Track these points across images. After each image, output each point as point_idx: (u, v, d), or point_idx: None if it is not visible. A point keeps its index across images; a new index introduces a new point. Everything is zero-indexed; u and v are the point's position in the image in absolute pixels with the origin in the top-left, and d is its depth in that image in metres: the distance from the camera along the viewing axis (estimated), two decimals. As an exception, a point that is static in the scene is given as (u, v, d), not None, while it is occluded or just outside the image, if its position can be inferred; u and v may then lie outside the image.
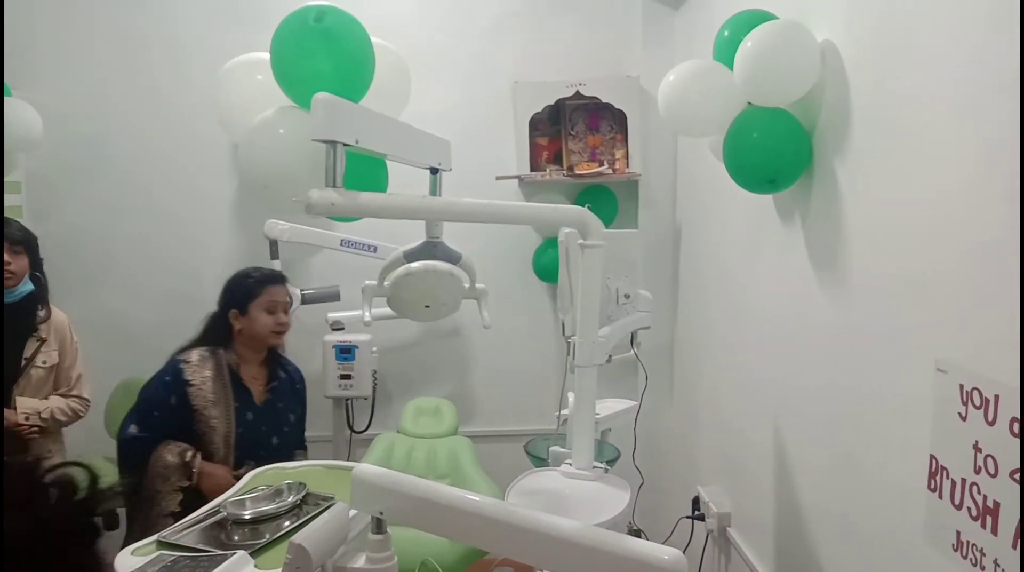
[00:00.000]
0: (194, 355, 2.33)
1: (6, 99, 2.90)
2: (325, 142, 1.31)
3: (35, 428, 2.46)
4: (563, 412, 2.08)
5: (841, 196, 1.60)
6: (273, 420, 2.43)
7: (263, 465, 2.16)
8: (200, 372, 2.29)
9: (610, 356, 1.80)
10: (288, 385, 2.53)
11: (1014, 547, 1.06)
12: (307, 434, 3.29)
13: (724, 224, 2.46)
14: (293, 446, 2.52)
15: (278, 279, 2.49)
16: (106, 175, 3.33)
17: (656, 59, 3.07)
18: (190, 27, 3.23)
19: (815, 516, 1.79)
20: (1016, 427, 1.05)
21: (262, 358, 2.46)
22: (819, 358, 1.73)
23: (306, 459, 2.45)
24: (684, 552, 2.55)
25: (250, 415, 2.35)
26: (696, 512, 2.57)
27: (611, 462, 2.05)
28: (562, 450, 1.87)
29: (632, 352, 2.17)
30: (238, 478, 2.11)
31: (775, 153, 1.71)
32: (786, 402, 1.96)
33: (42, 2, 3.24)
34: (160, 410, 2.24)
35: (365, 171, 2.05)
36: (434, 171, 1.74)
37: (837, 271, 1.63)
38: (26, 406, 2.44)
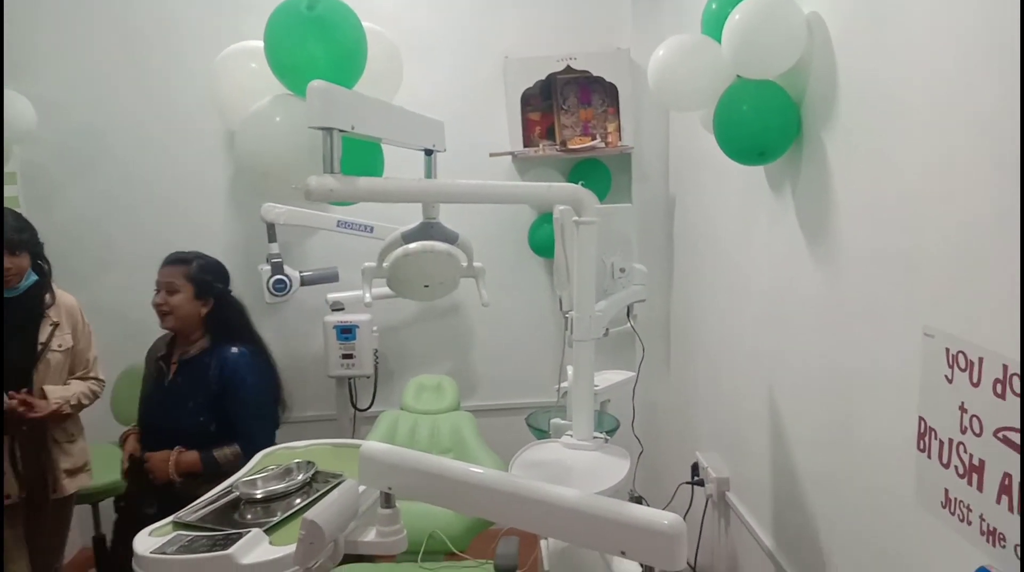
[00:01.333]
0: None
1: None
2: (321, 129, 1.33)
3: (66, 415, 2.50)
4: (563, 385, 2.12)
5: (830, 167, 1.63)
6: (167, 404, 2.43)
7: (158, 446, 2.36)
8: (153, 348, 2.57)
9: (607, 329, 1.84)
10: (205, 372, 2.42)
11: (998, 502, 1.10)
12: (311, 413, 3.34)
13: (717, 196, 2.49)
14: (189, 435, 2.38)
15: (166, 261, 2.49)
16: (103, 164, 3.34)
17: (646, 31, 3.07)
18: (185, 15, 3.22)
19: (810, 479, 1.84)
20: (999, 388, 1.09)
21: (191, 338, 2.47)
22: (810, 327, 1.78)
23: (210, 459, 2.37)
24: (684, 517, 2.62)
25: (156, 395, 2.46)
26: (695, 478, 2.63)
27: (611, 432, 2.10)
28: (563, 422, 1.92)
29: (629, 325, 2.21)
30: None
31: (764, 125, 1.74)
32: (779, 369, 2.00)
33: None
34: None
35: (361, 156, 2.07)
36: (428, 153, 1.77)
37: (827, 241, 1.66)
38: (57, 395, 2.46)
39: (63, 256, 3.35)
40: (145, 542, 1.47)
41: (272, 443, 2.28)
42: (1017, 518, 1.06)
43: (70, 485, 2.57)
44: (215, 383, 2.40)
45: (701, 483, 2.59)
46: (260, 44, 1.91)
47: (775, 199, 1.97)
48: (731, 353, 2.41)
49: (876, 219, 1.46)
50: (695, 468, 2.65)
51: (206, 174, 3.32)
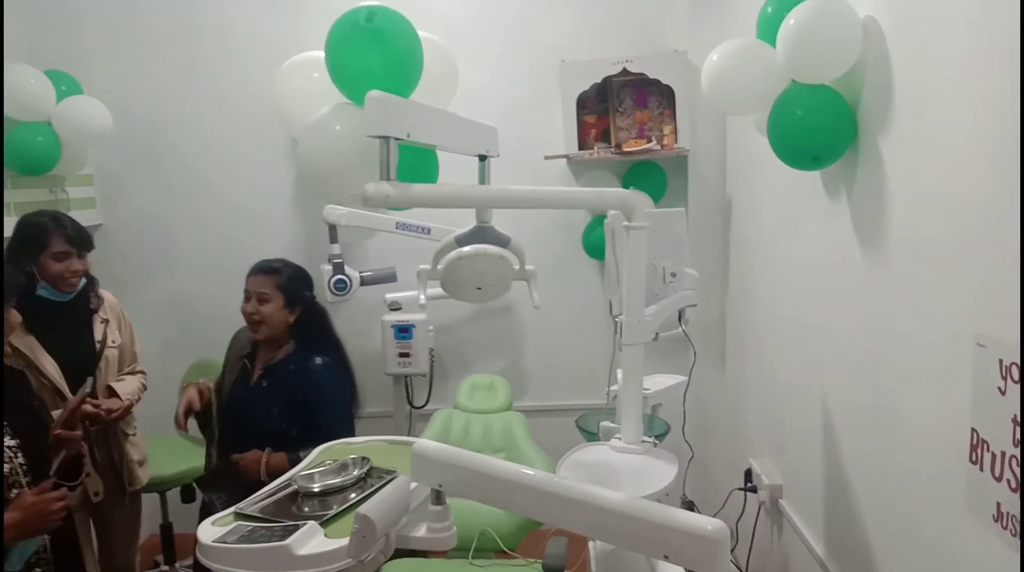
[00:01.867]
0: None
1: (78, 97, 3.06)
2: (378, 138, 1.39)
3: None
4: (612, 388, 2.14)
5: (885, 173, 1.62)
6: (255, 404, 2.45)
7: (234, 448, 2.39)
8: (236, 339, 2.62)
9: (657, 334, 1.85)
10: (291, 379, 2.46)
11: (1051, 518, 1.09)
12: (370, 409, 3.42)
13: (772, 199, 2.47)
14: (271, 436, 2.41)
15: (255, 269, 2.51)
16: (170, 165, 3.48)
17: (703, 33, 3.06)
18: (248, 24, 3.34)
19: (861, 487, 1.82)
20: (1053, 401, 1.07)
21: (278, 344, 2.50)
22: (861, 333, 1.75)
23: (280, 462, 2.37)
24: (737, 523, 2.61)
25: (240, 392, 2.49)
26: (748, 484, 2.61)
27: (661, 436, 2.10)
28: (612, 425, 1.93)
29: (680, 329, 2.21)
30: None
31: (818, 131, 1.73)
32: (830, 375, 1.98)
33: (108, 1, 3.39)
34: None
35: (417, 162, 2.12)
36: (482, 158, 1.81)
37: (880, 247, 1.64)
38: (125, 391, 2.54)
39: (130, 252, 3.52)
40: (208, 531, 1.55)
41: None
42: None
43: (143, 476, 2.68)
44: (300, 390, 2.42)
45: (754, 489, 2.57)
46: (322, 54, 1.98)
47: (830, 203, 1.95)
48: (783, 358, 2.39)
49: (931, 226, 1.44)
50: (748, 474, 2.63)
51: (270, 176, 3.43)
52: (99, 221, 3.51)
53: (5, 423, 1.77)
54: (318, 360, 2.48)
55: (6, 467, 1.72)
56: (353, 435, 2.54)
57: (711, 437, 3.18)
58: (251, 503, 1.70)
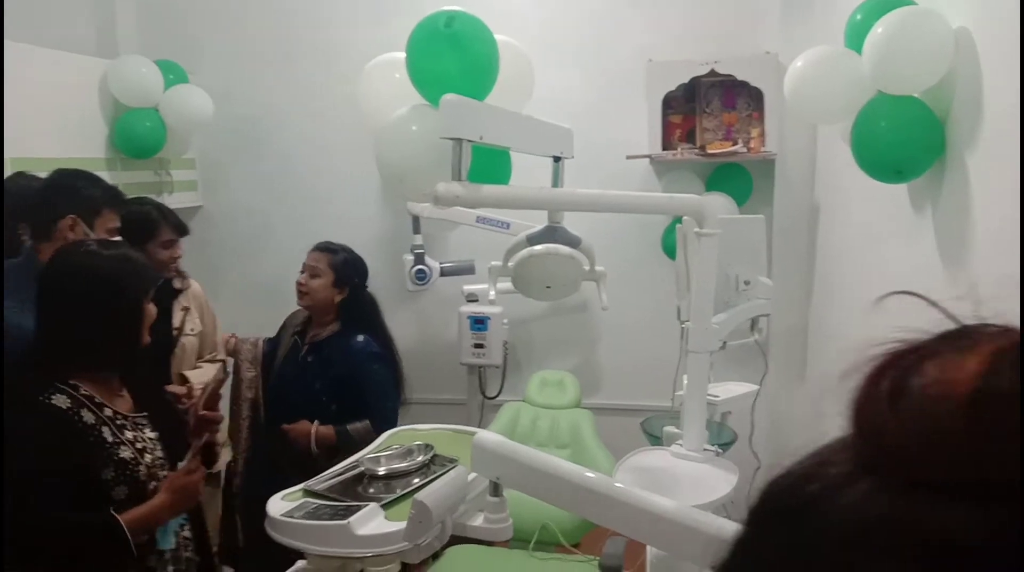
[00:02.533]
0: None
1: (183, 86, 3.24)
2: (452, 139, 1.43)
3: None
4: (679, 393, 2.13)
5: (971, 190, 1.56)
6: (299, 378, 2.64)
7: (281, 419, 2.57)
8: (291, 319, 2.82)
9: (724, 342, 1.84)
10: (333, 355, 2.63)
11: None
12: (444, 396, 3.50)
13: (859, 209, 2.40)
14: (311, 410, 2.57)
15: (316, 247, 2.71)
16: (267, 155, 3.65)
17: (795, 36, 2.97)
18: (341, 21, 3.47)
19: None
20: None
21: (324, 320, 2.69)
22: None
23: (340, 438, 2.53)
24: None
25: (290, 367, 2.68)
26: (818, 498, 2.55)
27: (726, 445, 2.09)
28: (675, 430, 1.93)
29: (753, 338, 2.19)
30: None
31: (902, 143, 1.68)
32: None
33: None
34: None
35: (490, 162, 2.16)
36: (556, 159, 1.83)
37: (964, 267, 1.59)
38: (199, 379, 2.57)
39: (226, 235, 3.70)
40: (277, 505, 1.63)
41: (396, 419, 2.53)
42: None
43: (222, 458, 2.72)
44: (342, 366, 2.60)
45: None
46: (404, 55, 2.05)
47: (915, 218, 1.89)
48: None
49: (1014, 246, 1.38)
50: (818, 488, 2.57)
51: (358, 169, 3.53)
52: (199, 203, 3.70)
53: (146, 414, 1.81)
54: (360, 338, 2.66)
55: (147, 457, 1.74)
56: (396, 413, 2.71)
57: (785, 449, 3.11)
58: (319, 481, 1.78)
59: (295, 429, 2.55)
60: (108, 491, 1.65)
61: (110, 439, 1.67)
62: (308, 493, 1.72)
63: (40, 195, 2.11)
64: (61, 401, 1.63)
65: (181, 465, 1.80)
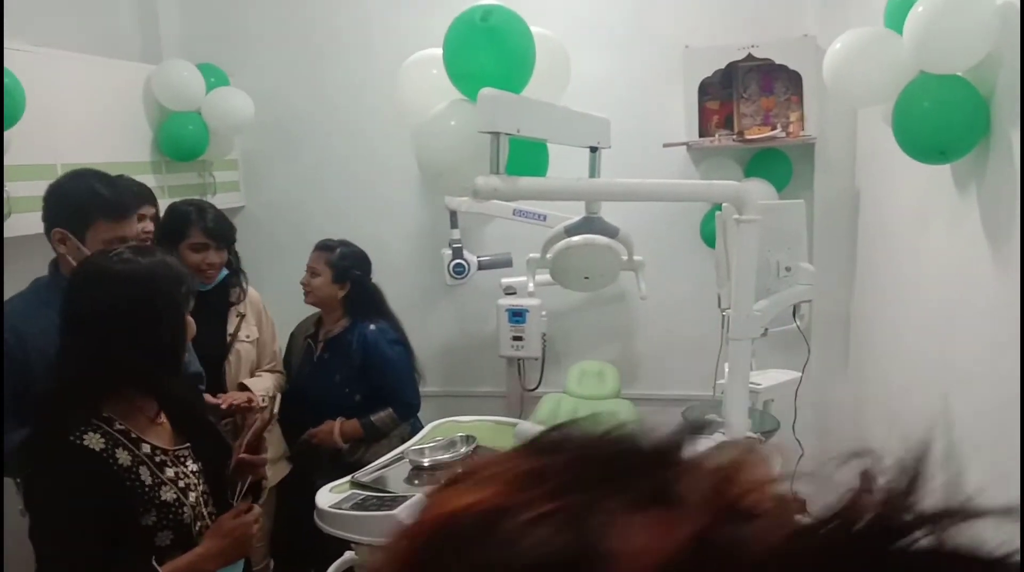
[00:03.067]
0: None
1: (225, 88, 3.30)
2: (490, 133, 1.45)
3: (263, 407, 2.48)
4: (720, 381, 2.13)
5: (1016, 169, 1.52)
6: (317, 376, 2.72)
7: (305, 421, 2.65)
8: (301, 327, 2.90)
9: (766, 329, 1.83)
10: (348, 347, 2.70)
11: None
12: (485, 389, 3.52)
13: (902, 192, 2.36)
14: (337, 405, 2.65)
15: (315, 246, 2.80)
16: (307, 150, 3.69)
17: (834, 17, 2.92)
18: (379, 17, 3.49)
19: (979, 496, 1.74)
20: None
21: (333, 318, 2.77)
22: (987, 339, 1.67)
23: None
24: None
25: (307, 369, 2.75)
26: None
27: (769, 433, 2.08)
28: (717, 418, 1.93)
29: (795, 324, 2.17)
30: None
31: (945, 123, 1.64)
32: (952, 380, 1.89)
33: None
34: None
35: (527, 154, 2.17)
36: (593, 150, 1.84)
37: (1008, 248, 1.56)
38: (259, 389, 2.54)
39: (269, 234, 3.77)
40: (326, 497, 1.68)
41: (418, 400, 2.67)
42: None
43: (273, 474, 2.52)
44: (357, 356, 2.68)
45: (869, 491, 2.48)
46: (440, 52, 2.07)
47: (959, 199, 1.85)
48: (907, 359, 2.29)
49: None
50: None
51: (397, 165, 3.56)
52: (242, 203, 3.77)
53: (189, 445, 1.59)
54: (371, 326, 2.73)
55: (192, 496, 1.52)
56: (417, 395, 2.77)
57: (831, 436, 3.08)
58: (366, 472, 1.82)
59: (320, 432, 2.63)
60: (150, 538, 1.45)
61: (149, 481, 1.45)
62: (355, 485, 1.76)
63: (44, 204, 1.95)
64: (94, 442, 1.40)
65: (229, 509, 1.59)
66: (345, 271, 2.75)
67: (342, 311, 2.77)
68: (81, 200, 1.88)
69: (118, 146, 2.97)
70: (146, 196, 2.52)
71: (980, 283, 1.71)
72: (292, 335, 2.94)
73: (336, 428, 2.60)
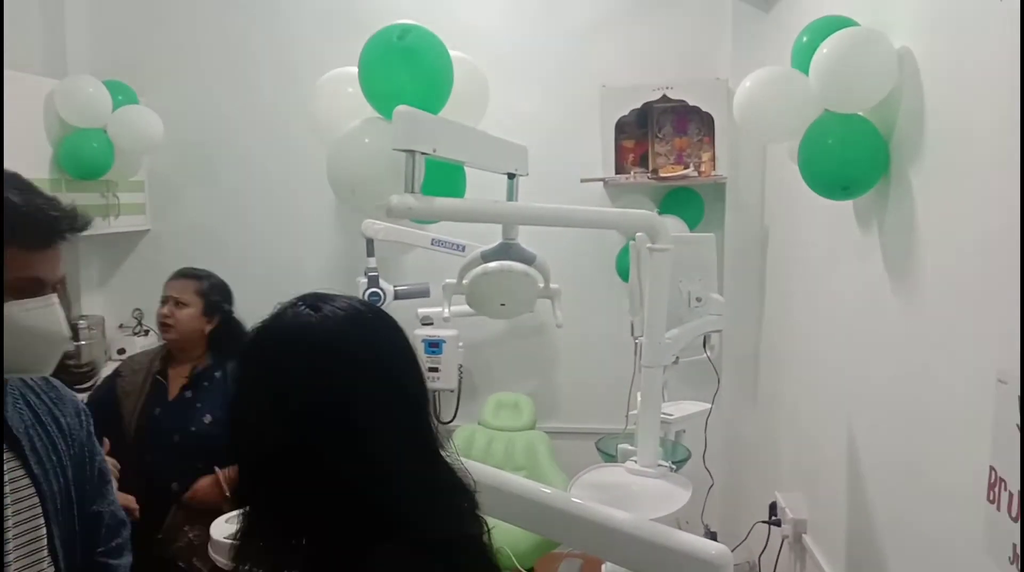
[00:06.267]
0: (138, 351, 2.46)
1: (133, 106, 3.18)
2: (405, 151, 1.42)
3: None
4: (633, 412, 2.13)
5: (915, 204, 1.60)
6: (186, 415, 2.33)
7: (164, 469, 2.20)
8: (130, 364, 2.46)
9: (677, 357, 1.84)
10: (220, 385, 2.38)
11: (1065, 561, 1.05)
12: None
13: (808, 229, 2.45)
14: (205, 451, 2.24)
15: (177, 274, 2.46)
16: (219, 176, 3.59)
17: (746, 62, 3.03)
18: (295, 38, 3.45)
19: (884, 525, 1.78)
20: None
21: (193, 356, 2.43)
22: (890, 367, 1.72)
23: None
24: (760, 557, 2.57)
25: (158, 410, 2.34)
26: (773, 517, 2.56)
27: (680, 462, 2.08)
28: (630, 448, 1.93)
29: (705, 354, 2.20)
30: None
31: (848, 160, 1.71)
32: (859, 410, 1.95)
33: (162, 15, 3.53)
34: (92, 403, 2.09)
35: (444, 177, 2.16)
36: (511, 176, 1.83)
37: (910, 279, 1.62)
38: None
39: (176, 259, 3.62)
40: (222, 528, 1.58)
41: None
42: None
43: None
44: (227, 396, 2.24)
45: (778, 523, 2.52)
46: (356, 70, 2.05)
47: (862, 235, 1.92)
48: (813, 391, 2.35)
49: (956, 258, 1.42)
50: (773, 507, 2.58)
51: (311, 190, 3.49)
52: (147, 227, 3.62)
53: None
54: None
55: None
56: None
57: (740, 468, 3.13)
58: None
59: (198, 489, 2.24)
60: None
61: None
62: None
63: None
64: None
65: None
66: (216, 304, 2.44)
67: (204, 349, 2.43)
68: None
69: (13, 161, 2.80)
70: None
71: (883, 316, 1.77)
72: (113, 379, 2.45)
73: (221, 478, 2.21)
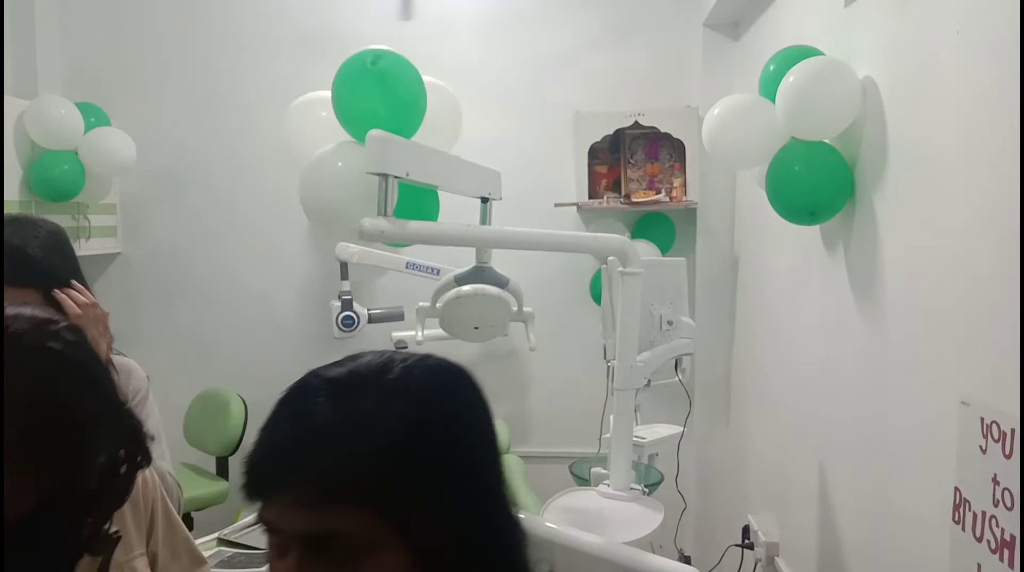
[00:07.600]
0: None
1: (104, 128, 3.16)
2: (378, 175, 1.43)
3: None
4: (606, 435, 2.14)
5: (878, 229, 1.63)
6: None
7: None
8: None
9: (649, 380, 1.86)
10: None
11: (1027, 580, 1.07)
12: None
13: (777, 254, 2.48)
14: None
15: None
16: (191, 200, 3.57)
17: (716, 90, 3.10)
18: (265, 62, 3.47)
19: (853, 547, 1.79)
20: (1030, 461, 1.07)
21: None
22: (855, 390, 1.75)
23: None
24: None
25: None
26: (746, 541, 2.57)
27: (653, 486, 2.09)
28: (602, 471, 1.93)
29: (677, 378, 2.22)
30: None
31: (815, 186, 1.75)
32: (826, 432, 1.97)
33: (135, 38, 3.52)
34: None
35: (417, 200, 2.17)
36: (484, 200, 1.85)
37: (874, 303, 1.65)
38: None
39: (146, 282, 3.59)
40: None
41: None
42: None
43: None
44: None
45: (751, 546, 2.53)
46: (329, 94, 2.06)
47: (829, 259, 1.96)
48: (782, 414, 2.37)
49: (919, 282, 1.45)
50: (746, 530, 2.59)
51: (284, 213, 3.48)
52: (118, 250, 3.59)
53: None
54: None
55: None
56: None
57: (713, 491, 3.14)
58: (235, 530, 1.71)
59: None
60: None
61: None
62: (223, 542, 1.65)
63: None
64: None
65: None
66: None
67: None
68: None
69: (-19, 182, 2.77)
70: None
71: (849, 338, 1.80)
72: None
73: None
